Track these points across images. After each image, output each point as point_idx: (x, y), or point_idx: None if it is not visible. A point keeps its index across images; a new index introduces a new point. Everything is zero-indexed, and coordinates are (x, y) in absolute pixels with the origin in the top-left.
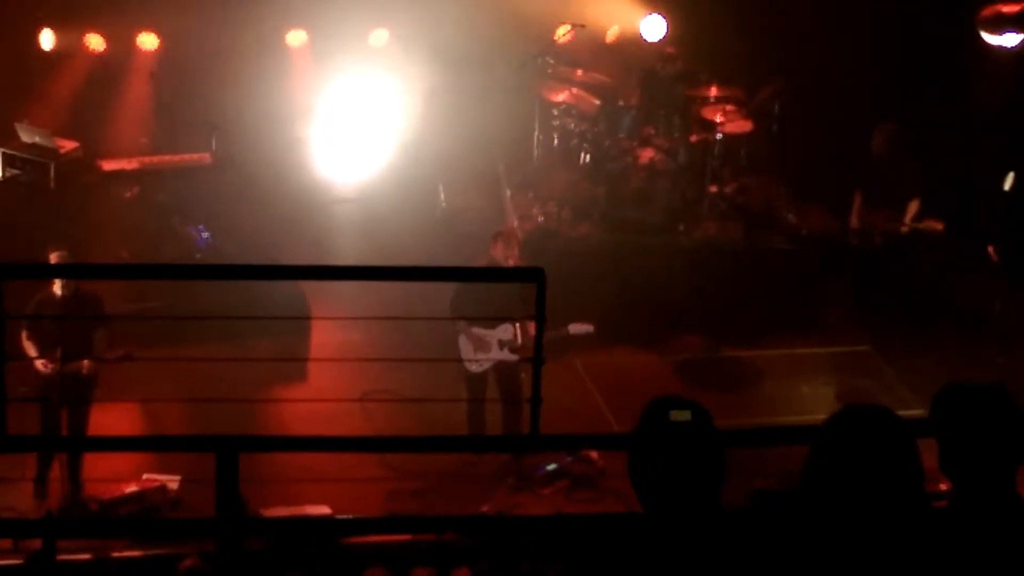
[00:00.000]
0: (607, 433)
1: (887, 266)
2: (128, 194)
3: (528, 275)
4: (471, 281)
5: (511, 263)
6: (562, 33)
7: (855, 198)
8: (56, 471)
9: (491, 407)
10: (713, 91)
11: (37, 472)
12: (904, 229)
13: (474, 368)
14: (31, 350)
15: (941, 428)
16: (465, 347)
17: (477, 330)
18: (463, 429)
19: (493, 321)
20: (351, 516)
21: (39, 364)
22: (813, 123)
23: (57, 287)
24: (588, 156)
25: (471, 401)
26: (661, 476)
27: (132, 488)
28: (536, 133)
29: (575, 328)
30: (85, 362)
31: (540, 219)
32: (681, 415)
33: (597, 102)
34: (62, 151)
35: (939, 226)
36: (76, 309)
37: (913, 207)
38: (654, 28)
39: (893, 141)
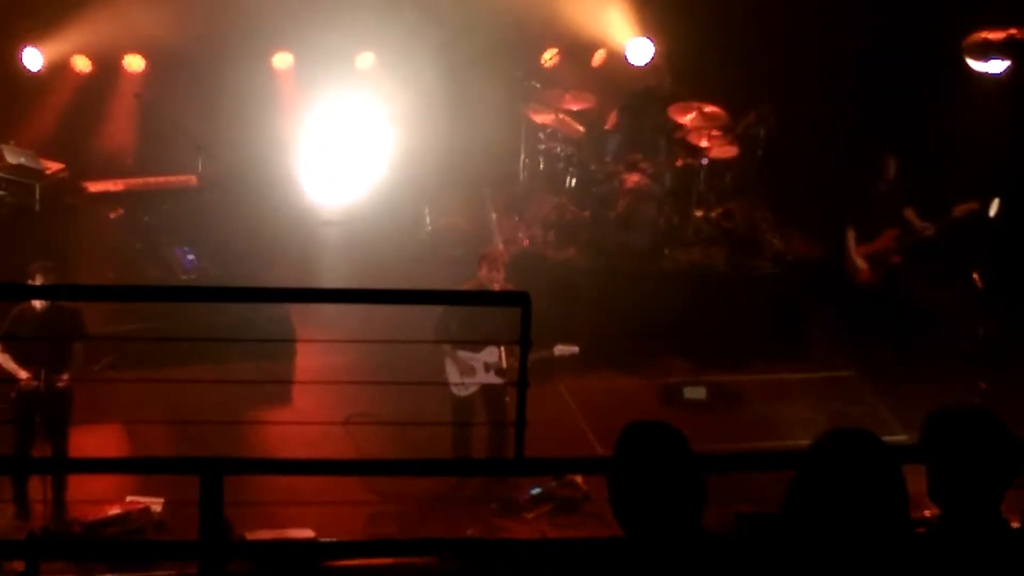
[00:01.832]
0: (591, 457)
1: (872, 292)
2: (113, 215)
3: (513, 299)
4: (456, 304)
5: (496, 286)
6: (549, 57)
7: (848, 239)
8: (39, 492)
9: (476, 431)
10: (699, 116)
11: (15, 492)
12: (929, 232)
13: (461, 392)
14: (7, 363)
15: (932, 452)
16: (451, 371)
17: (462, 353)
18: (447, 452)
19: (478, 344)
20: (335, 539)
21: (21, 373)
22: (799, 148)
23: (36, 301)
24: (574, 180)
25: (457, 425)
26: (639, 500)
27: (116, 510)
28: (522, 156)
29: (560, 349)
30: (63, 377)
31: (525, 242)
32: (696, 392)
33: (582, 126)
34: (47, 172)
35: (974, 205)
36: (54, 322)
37: (911, 214)
38: (640, 51)
39: (896, 170)
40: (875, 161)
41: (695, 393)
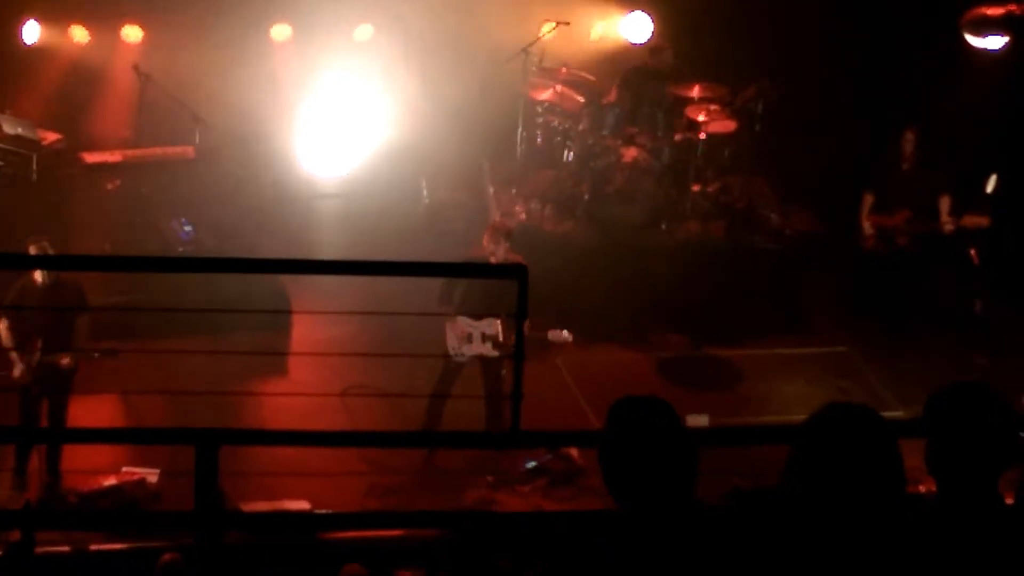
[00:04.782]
0: (587, 430)
1: (870, 267)
2: (110, 187)
3: (510, 272)
4: (452, 276)
5: (493, 259)
6: (547, 30)
7: (863, 202)
8: (35, 462)
9: (474, 403)
10: (697, 90)
11: (16, 463)
12: (949, 228)
13: (456, 359)
14: (9, 339)
15: (934, 426)
16: (450, 337)
17: (462, 320)
18: (445, 424)
19: (479, 314)
20: (330, 511)
21: (14, 357)
22: (797, 123)
23: (38, 275)
24: (571, 154)
25: (436, 392)
26: (629, 473)
27: (111, 481)
28: (520, 130)
29: (553, 335)
30: (65, 356)
31: (523, 216)
32: (699, 420)
33: (581, 100)
34: (44, 143)
35: (984, 220)
36: (57, 297)
37: (945, 204)
38: (639, 26)
39: (914, 145)
40: (895, 137)
41: (698, 421)
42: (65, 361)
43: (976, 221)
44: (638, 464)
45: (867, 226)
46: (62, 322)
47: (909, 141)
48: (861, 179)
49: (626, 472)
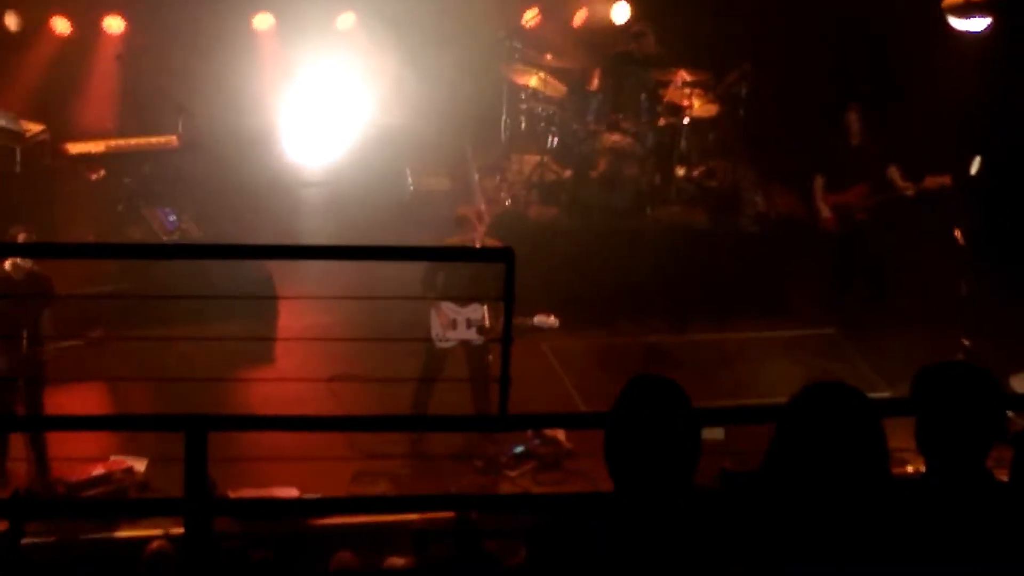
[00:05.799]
0: (574, 413)
1: (854, 248)
2: (94, 177)
3: (497, 255)
4: (439, 261)
5: (477, 243)
6: (530, 17)
7: (815, 185)
8: (22, 453)
9: (461, 388)
10: (681, 75)
11: None
12: (911, 192)
13: (440, 344)
14: None
15: (921, 404)
16: (434, 323)
17: (447, 306)
18: (432, 410)
19: (464, 299)
20: (319, 496)
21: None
22: (780, 107)
23: (10, 267)
24: (555, 140)
25: (424, 379)
26: (636, 453)
27: (99, 470)
28: (503, 116)
29: (540, 319)
30: (40, 345)
31: (507, 202)
32: (714, 433)
33: (564, 86)
34: (28, 134)
35: (947, 179)
36: (29, 290)
37: (895, 173)
38: (621, 11)
39: (860, 122)
40: (839, 116)
41: (714, 434)
42: (36, 352)
43: (938, 181)
44: (647, 444)
45: (824, 208)
46: (33, 315)
47: (854, 119)
48: (812, 163)
49: (633, 451)
